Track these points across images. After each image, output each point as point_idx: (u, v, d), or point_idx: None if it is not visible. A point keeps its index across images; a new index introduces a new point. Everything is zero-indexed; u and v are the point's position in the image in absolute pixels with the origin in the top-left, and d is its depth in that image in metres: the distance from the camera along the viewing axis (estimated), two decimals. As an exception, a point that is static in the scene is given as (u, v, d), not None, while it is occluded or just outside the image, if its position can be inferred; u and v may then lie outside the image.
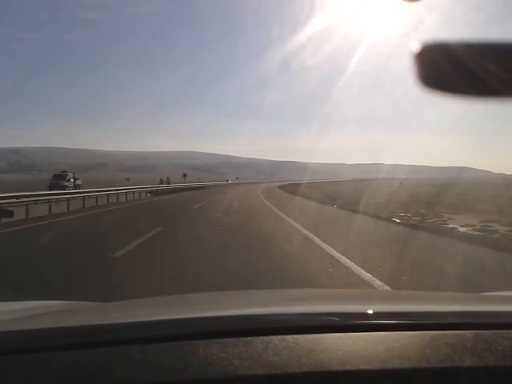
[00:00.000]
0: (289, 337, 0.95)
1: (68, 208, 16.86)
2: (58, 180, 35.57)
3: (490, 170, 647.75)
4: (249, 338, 0.94)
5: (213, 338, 0.94)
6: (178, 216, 14.87)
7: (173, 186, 43.40)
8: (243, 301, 1.77)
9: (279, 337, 0.95)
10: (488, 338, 0.96)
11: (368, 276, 5.43)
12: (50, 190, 22.36)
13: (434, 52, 0.72)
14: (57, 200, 17.53)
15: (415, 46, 0.71)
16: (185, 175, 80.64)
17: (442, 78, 0.73)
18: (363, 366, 0.87)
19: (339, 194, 27.42)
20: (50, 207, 15.67)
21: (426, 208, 16.18)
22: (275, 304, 1.62)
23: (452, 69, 0.71)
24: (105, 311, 1.61)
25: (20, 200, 14.38)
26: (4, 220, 10.83)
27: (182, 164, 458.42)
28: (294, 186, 48.43)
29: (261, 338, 0.95)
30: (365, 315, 1.18)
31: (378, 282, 5.13)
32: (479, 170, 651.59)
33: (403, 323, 1.07)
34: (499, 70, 0.71)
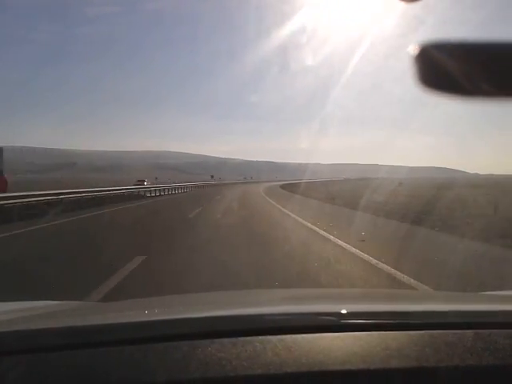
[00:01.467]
0: (288, 337, 0.96)
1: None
2: None
3: (465, 170, 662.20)
4: (248, 338, 0.95)
5: (212, 338, 0.95)
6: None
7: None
8: (242, 301, 1.80)
9: (278, 337, 0.96)
10: (487, 337, 0.98)
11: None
12: None
13: (434, 52, 0.72)
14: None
15: (414, 46, 0.72)
16: (156, 178, 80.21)
17: (441, 78, 0.73)
18: (362, 366, 0.88)
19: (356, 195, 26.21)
20: None
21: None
22: (274, 304, 1.65)
23: (451, 69, 0.72)
24: (104, 311, 1.64)
25: None
26: None
27: (155, 164, 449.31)
28: (302, 188, 38.80)
29: (260, 337, 0.96)
30: (364, 314, 1.21)
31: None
32: (455, 170, 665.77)
33: (402, 323, 1.08)
34: (499, 70, 0.72)
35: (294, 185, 52.90)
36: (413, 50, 0.72)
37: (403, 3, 0.83)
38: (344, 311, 1.23)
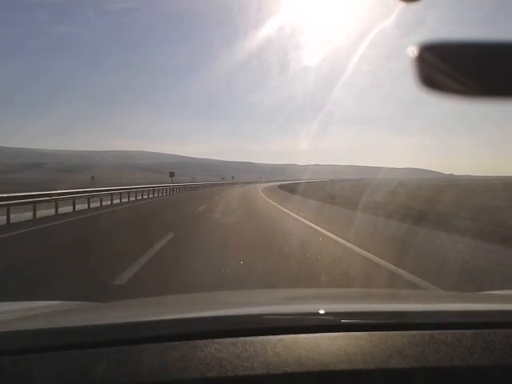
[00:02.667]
0: (288, 337, 0.97)
1: None
2: None
3: (441, 172, 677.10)
4: (248, 338, 0.96)
5: (212, 338, 0.96)
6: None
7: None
8: (242, 301, 1.82)
9: (278, 337, 0.97)
10: (487, 337, 0.99)
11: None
12: None
13: (433, 52, 0.72)
14: None
15: (414, 46, 0.72)
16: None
17: (440, 78, 0.73)
18: (362, 366, 0.89)
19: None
20: None
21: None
22: (274, 304, 1.67)
23: (451, 69, 0.72)
24: (104, 311, 1.64)
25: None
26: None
27: (129, 164, 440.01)
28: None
29: (259, 337, 0.97)
30: (364, 314, 1.23)
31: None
32: (431, 171, 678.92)
33: (402, 323, 1.08)
34: (498, 70, 0.72)
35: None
36: (412, 50, 0.72)
37: (403, 3, 0.84)
38: (344, 311, 1.28)
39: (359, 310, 1.34)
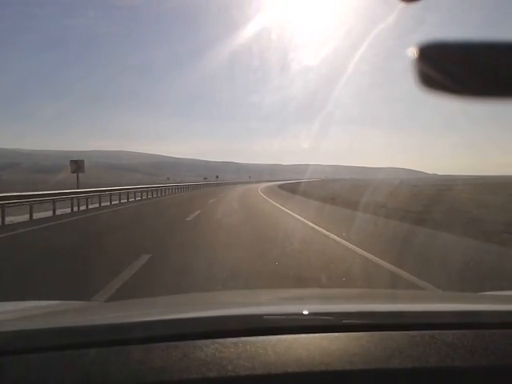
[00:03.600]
0: (288, 337, 0.98)
1: None
2: None
3: (425, 171, 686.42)
4: (248, 338, 0.97)
5: (212, 338, 0.96)
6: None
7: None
8: (242, 301, 1.83)
9: (278, 337, 0.98)
10: (487, 337, 0.99)
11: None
12: None
13: (433, 52, 0.73)
14: None
15: (414, 47, 0.73)
16: None
17: (440, 78, 0.73)
18: (362, 366, 0.89)
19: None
20: None
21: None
22: (274, 304, 1.67)
23: (451, 69, 0.73)
24: (104, 311, 1.66)
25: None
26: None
27: (108, 164, 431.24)
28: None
29: (260, 337, 0.97)
30: (364, 314, 1.24)
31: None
32: (415, 171, 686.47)
33: (402, 323, 1.09)
34: (498, 70, 0.73)
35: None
36: (412, 50, 0.73)
37: (403, 3, 0.84)
38: (344, 311, 1.30)
39: (359, 310, 1.35)
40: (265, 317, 1.18)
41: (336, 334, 1.00)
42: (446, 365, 0.90)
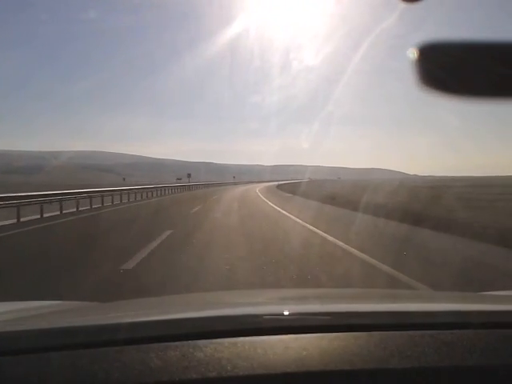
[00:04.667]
0: (288, 337, 0.99)
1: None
2: None
3: (406, 172, 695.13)
4: (247, 338, 0.98)
5: (211, 338, 0.97)
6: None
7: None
8: (242, 301, 1.85)
9: (278, 337, 0.99)
10: (487, 337, 1.01)
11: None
12: None
13: (433, 52, 0.74)
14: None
15: (414, 47, 0.73)
16: None
17: (440, 78, 0.74)
18: (362, 366, 0.90)
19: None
20: None
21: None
22: (274, 304, 1.68)
23: (451, 69, 0.74)
24: (104, 311, 1.66)
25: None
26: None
27: (84, 165, 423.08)
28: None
29: (259, 337, 0.99)
30: (363, 314, 1.26)
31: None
32: (396, 171, 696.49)
33: (402, 323, 1.10)
34: (498, 70, 0.73)
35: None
36: (412, 50, 0.73)
37: (404, 3, 0.85)
38: (344, 311, 1.31)
39: (359, 310, 1.36)
40: (264, 317, 1.19)
41: (335, 333, 1.01)
42: (445, 364, 0.91)
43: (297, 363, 0.89)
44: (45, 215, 16.02)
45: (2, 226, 13.03)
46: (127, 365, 0.89)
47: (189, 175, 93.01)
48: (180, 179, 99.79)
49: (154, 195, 34.99)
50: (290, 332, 1.01)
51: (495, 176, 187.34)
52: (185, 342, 0.95)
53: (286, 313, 1.28)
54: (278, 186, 59.65)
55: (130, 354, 0.92)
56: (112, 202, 23.99)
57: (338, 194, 26.76)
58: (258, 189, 49.72)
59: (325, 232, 10.49)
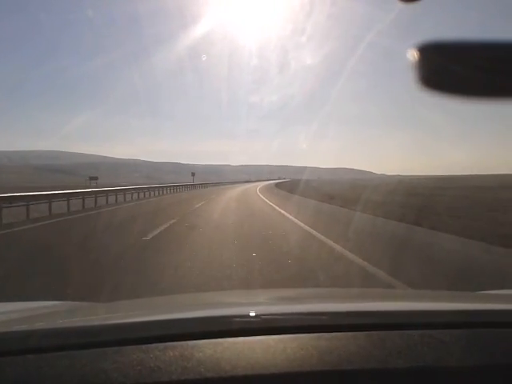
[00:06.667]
0: (286, 336, 1.00)
1: None
2: None
3: (373, 172, 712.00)
4: (247, 338, 1.00)
5: (210, 338, 0.99)
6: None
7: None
8: (240, 301, 1.88)
9: (276, 337, 1.00)
10: (485, 336, 1.03)
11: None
12: None
13: (433, 52, 0.74)
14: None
15: (414, 47, 0.74)
16: None
17: (440, 79, 0.75)
18: (360, 366, 0.91)
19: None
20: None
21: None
22: (272, 304, 1.71)
23: (451, 69, 0.74)
24: (104, 311, 1.68)
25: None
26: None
27: (40, 165, 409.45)
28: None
29: (258, 337, 1.00)
30: (363, 314, 1.28)
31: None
32: (364, 171, 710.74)
33: (401, 323, 1.11)
34: (498, 70, 0.74)
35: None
36: (411, 50, 0.74)
37: (402, 3, 0.85)
38: (343, 311, 1.32)
39: (358, 310, 1.37)
40: (263, 317, 1.20)
41: (334, 333, 1.01)
42: (443, 364, 0.92)
43: (296, 363, 0.90)
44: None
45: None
46: (126, 365, 0.90)
47: (193, 174, 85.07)
48: (95, 179, 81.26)
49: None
50: (289, 332, 1.02)
51: (458, 175, 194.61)
52: (184, 343, 0.96)
53: (284, 313, 1.31)
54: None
55: (129, 354, 0.93)
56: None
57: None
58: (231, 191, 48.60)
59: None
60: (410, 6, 0.87)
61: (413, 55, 0.73)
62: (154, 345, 0.96)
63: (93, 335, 1.05)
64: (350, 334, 1.02)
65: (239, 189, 56.62)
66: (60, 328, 1.20)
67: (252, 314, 1.26)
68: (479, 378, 0.92)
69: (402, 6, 0.85)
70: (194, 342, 0.97)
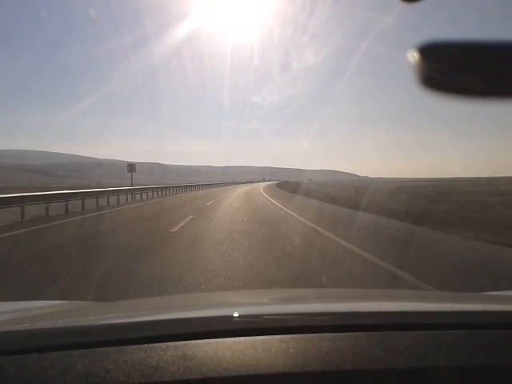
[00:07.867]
0: (287, 337, 1.01)
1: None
2: None
3: (357, 174, 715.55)
4: (248, 338, 1.00)
5: (213, 338, 1.00)
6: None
7: None
8: (242, 301, 1.90)
9: (278, 337, 1.00)
10: (487, 337, 1.03)
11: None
12: None
13: (433, 52, 0.75)
14: None
15: (414, 47, 0.74)
16: None
17: (440, 79, 0.76)
18: (362, 366, 0.92)
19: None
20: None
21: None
22: (274, 304, 1.72)
23: (451, 69, 0.75)
24: (104, 311, 1.68)
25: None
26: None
27: (16, 164, 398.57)
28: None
29: (260, 337, 1.01)
30: (364, 315, 1.28)
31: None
32: (348, 173, 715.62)
33: (402, 323, 1.12)
34: (498, 70, 0.74)
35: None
36: (412, 51, 0.74)
37: (403, 3, 0.85)
38: (344, 311, 1.33)
39: (359, 310, 1.39)
40: (264, 317, 1.21)
41: (335, 334, 1.02)
42: (446, 365, 0.92)
43: (298, 363, 0.90)
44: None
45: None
46: (128, 365, 0.90)
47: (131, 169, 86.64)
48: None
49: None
50: (291, 332, 1.02)
51: (442, 178, 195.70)
52: (186, 342, 0.97)
53: (286, 313, 1.32)
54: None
55: (131, 354, 0.93)
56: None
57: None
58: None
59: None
60: (411, 6, 0.87)
61: (413, 56, 0.73)
62: (156, 344, 0.96)
63: (95, 335, 1.05)
64: (352, 334, 1.02)
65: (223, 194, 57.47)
66: (62, 327, 1.21)
67: (254, 314, 1.29)
68: (482, 379, 0.92)
69: (404, 6, 0.85)
70: (197, 341, 0.97)
